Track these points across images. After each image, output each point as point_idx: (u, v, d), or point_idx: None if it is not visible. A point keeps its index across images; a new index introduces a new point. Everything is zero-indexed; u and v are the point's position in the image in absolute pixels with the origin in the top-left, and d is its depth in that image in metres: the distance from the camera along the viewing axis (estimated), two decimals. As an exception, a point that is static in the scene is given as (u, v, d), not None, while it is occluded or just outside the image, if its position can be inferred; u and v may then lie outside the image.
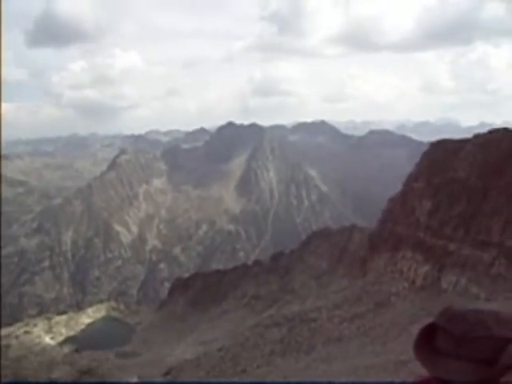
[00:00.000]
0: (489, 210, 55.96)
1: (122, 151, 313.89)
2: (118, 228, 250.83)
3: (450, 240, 58.03)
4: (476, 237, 55.79)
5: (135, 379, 51.44)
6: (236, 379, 50.97)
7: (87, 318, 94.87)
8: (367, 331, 52.23)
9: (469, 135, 61.02)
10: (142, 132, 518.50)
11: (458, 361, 1.33)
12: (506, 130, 54.27)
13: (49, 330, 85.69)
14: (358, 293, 60.44)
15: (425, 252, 58.95)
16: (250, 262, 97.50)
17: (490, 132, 56.57)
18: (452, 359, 1.36)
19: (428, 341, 1.45)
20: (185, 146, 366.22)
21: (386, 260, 62.71)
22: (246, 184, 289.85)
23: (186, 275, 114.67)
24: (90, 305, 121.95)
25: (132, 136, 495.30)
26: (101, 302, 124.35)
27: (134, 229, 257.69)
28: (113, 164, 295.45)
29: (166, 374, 55.54)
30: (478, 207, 56.84)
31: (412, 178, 66.20)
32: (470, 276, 53.78)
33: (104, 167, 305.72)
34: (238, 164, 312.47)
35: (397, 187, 70.34)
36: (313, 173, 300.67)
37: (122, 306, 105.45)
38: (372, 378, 27.09)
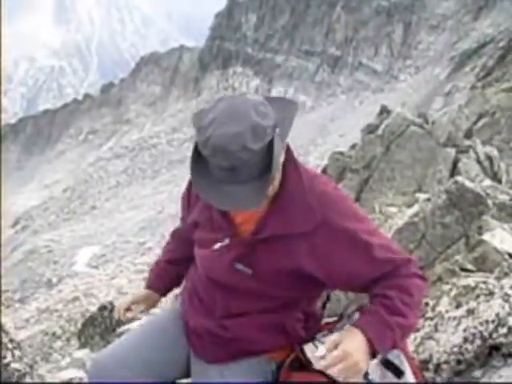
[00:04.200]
0: (311, 19, 57.58)
1: None
2: None
3: (276, 52, 59.68)
4: (300, 47, 57.97)
5: None
6: (87, 217, 51.33)
7: None
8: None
9: None
10: None
11: (239, 185, 1.41)
12: None
13: None
14: (194, 113, 61.41)
15: (254, 66, 60.32)
16: (79, 97, 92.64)
17: None
18: (234, 185, 1.40)
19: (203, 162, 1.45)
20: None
21: (218, 77, 63.36)
22: (62, 12, 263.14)
23: (13, 121, 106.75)
24: None
25: None
26: None
27: None
28: None
29: (15, 223, 53.99)
30: (301, 18, 58.19)
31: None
32: (297, 85, 56.86)
33: None
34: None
35: (222, 3, 68.64)
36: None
37: None
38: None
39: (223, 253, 1.61)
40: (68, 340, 17.81)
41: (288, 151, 1.56)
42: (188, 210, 1.79)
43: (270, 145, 1.38)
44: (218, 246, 1.62)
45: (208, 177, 1.42)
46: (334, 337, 1.49)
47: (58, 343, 17.67)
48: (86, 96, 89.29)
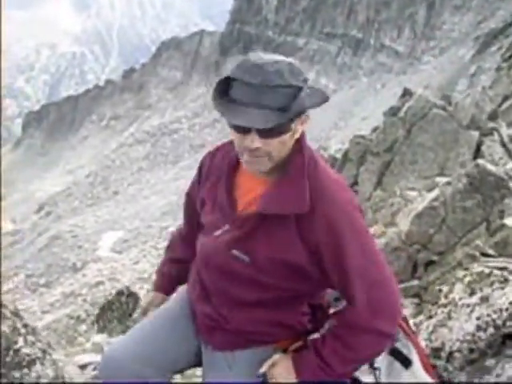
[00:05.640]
0: (332, 1, 56.83)
1: None
2: None
3: (297, 35, 59.10)
4: (322, 29, 57.30)
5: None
6: (110, 202, 51.94)
7: None
8: (228, 134, 54.30)
9: None
10: None
11: (258, 109, 1.37)
12: None
13: None
14: (215, 99, 61.42)
15: (275, 49, 59.81)
16: (101, 83, 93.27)
17: None
18: (252, 107, 1.38)
19: (225, 92, 1.47)
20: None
21: (239, 61, 63.27)
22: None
23: (37, 107, 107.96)
24: None
25: None
26: None
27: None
28: None
29: (39, 209, 54.87)
30: (322, 0, 57.48)
31: (256, -26, 64.31)
32: (319, 68, 56.34)
33: None
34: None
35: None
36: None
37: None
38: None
39: (221, 238, 1.61)
40: (93, 324, 18.15)
41: (302, 137, 1.56)
42: (198, 184, 1.80)
43: (299, 91, 1.42)
44: (218, 232, 1.62)
45: (229, 101, 1.45)
46: (276, 357, 1.63)
47: (83, 327, 18.02)
48: (108, 82, 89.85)
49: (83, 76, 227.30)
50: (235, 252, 1.58)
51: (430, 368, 1.67)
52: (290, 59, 1.47)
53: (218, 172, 1.69)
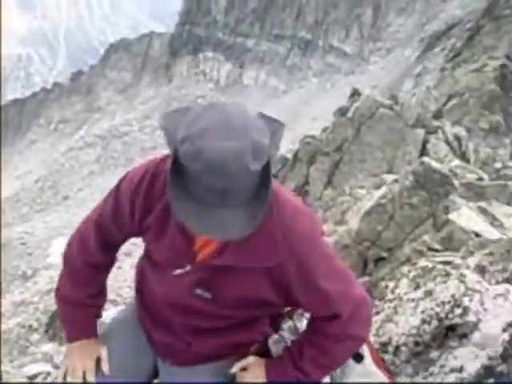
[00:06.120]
0: (281, 2, 57.28)
1: None
2: None
3: (247, 36, 59.28)
4: (271, 31, 57.68)
5: None
6: (60, 207, 50.77)
7: None
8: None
9: None
10: None
11: (229, 210, 1.24)
12: None
13: None
14: (165, 99, 60.82)
15: (225, 51, 59.89)
16: (48, 86, 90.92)
17: None
18: (221, 210, 1.23)
19: (179, 174, 1.25)
20: None
21: (189, 63, 62.82)
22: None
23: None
24: None
25: None
26: None
27: None
28: None
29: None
30: (271, 1, 57.85)
31: (204, -25, 64.17)
32: (269, 69, 56.68)
33: None
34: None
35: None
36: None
37: None
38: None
39: (183, 278, 1.51)
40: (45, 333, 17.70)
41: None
42: (132, 216, 1.55)
43: (266, 165, 1.23)
44: (178, 272, 1.51)
45: (189, 196, 1.22)
46: (250, 360, 1.63)
47: (35, 336, 17.52)
48: (55, 84, 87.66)
49: (29, 79, 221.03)
50: (198, 291, 1.51)
51: (380, 362, 1.72)
52: (249, 113, 1.25)
53: (163, 206, 1.47)
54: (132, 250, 19.36)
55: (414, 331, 2.05)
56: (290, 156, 14.12)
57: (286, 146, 25.70)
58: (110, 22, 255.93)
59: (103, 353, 1.69)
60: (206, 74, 60.15)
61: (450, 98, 18.48)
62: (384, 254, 5.93)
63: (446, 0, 44.30)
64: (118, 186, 1.59)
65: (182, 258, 1.49)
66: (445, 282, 2.12)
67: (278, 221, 1.39)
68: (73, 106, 75.52)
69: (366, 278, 5.75)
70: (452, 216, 5.64)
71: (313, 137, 13.33)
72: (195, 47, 63.41)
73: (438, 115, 14.05)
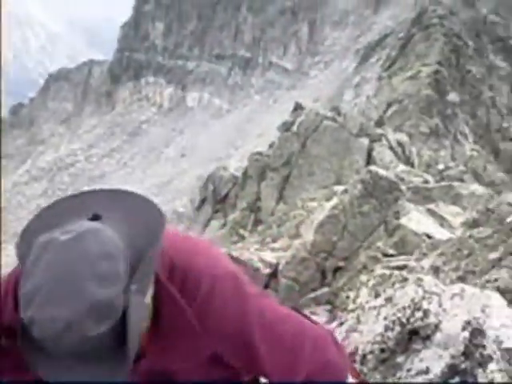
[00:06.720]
0: (219, 23, 57.83)
1: None
2: None
3: (187, 59, 59.45)
4: (211, 51, 58.06)
5: None
6: (10, 245, 49.07)
7: None
8: (127, 162, 53.51)
9: None
10: None
11: (92, 364, 1.05)
12: None
13: None
14: (109, 127, 60.11)
15: (166, 74, 59.82)
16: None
17: None
18: (78, 364, 1.05)
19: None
20: None
21: (131, 89, 62.39)
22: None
23: None
24: None
25: None
26: None
27: None
28: None
29: None
30: (209, 22, 58.32)
31: (141, 1, 64.11)
32: (211, 90, 56.91)
33: None
34: None
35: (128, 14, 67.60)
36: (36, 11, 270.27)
37: None
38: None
39: None
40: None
41: (157, 279, 1.17)
42: None
43: (124, 312, 1.02)
44: None
45: (40, 350, 1.03)
46: None
47: None
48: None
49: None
50: None
51: (354, 371, 1.71)
52: (90, 253, 0.98)
53: None
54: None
55: (378, 338, 2.08)
56: (239, 174, 14.15)
57: (236, 164, 25.76)
58: (48, 53, 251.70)
59: None
60: (149, 98, 59.83)
61: (389, 105, 19.03)
62: (341, 264, 6.01)
63: (377, 12, 45.82)
64: None
65: None
66: (403, 287, 2.17)
67: (194, 306, 1.21)
68: (15, 140, 73.49)
69: (326, 289, 5.82)
70: (403, 220, 5.80)
71: (260, 153, 13.43)
72: (136, 73, 63.04)
73: (379, 123, 14.43)
